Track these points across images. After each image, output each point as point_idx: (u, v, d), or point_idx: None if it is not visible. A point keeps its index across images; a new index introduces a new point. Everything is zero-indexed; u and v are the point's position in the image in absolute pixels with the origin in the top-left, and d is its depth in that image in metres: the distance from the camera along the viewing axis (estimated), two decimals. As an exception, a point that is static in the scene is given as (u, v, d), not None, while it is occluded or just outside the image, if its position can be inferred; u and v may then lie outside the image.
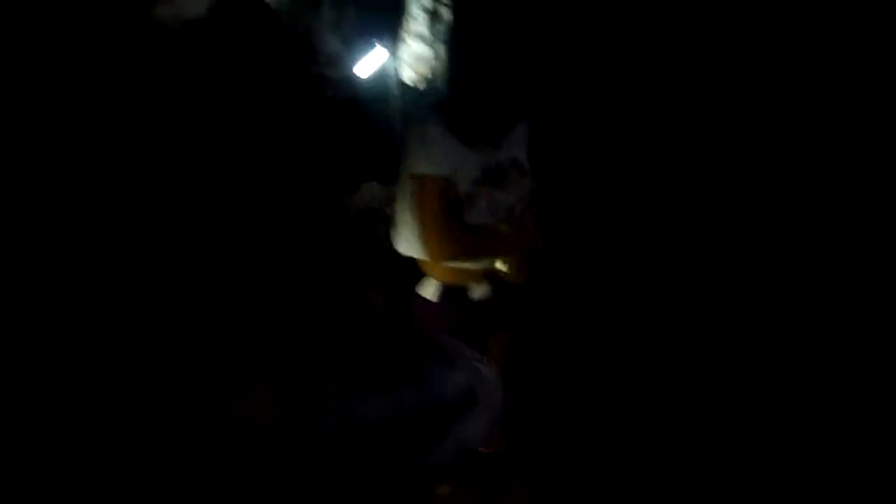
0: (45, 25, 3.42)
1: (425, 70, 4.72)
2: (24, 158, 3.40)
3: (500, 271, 2.24)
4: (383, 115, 5.11)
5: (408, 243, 2.28)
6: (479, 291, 2.25)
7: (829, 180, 3.45)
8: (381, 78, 4.84)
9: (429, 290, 2.20)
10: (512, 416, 2.54)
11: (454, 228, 2.10)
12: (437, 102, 2.28)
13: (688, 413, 2.74)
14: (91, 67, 3.99)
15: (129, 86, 4.48)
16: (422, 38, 4.59)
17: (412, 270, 2.72)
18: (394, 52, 4.63)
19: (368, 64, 4.71)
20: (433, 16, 4.58)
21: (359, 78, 4.95)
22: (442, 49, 4.65)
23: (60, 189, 3.67)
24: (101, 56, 4.00)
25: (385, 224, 5.37)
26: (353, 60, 5.07)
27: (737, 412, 2.69)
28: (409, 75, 4.74)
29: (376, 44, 4.57)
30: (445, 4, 4.51)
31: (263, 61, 5.93)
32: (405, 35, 4.63)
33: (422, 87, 4.82)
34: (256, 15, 5.73)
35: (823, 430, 2.54)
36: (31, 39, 3.31)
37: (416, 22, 4.55)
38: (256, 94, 5.71)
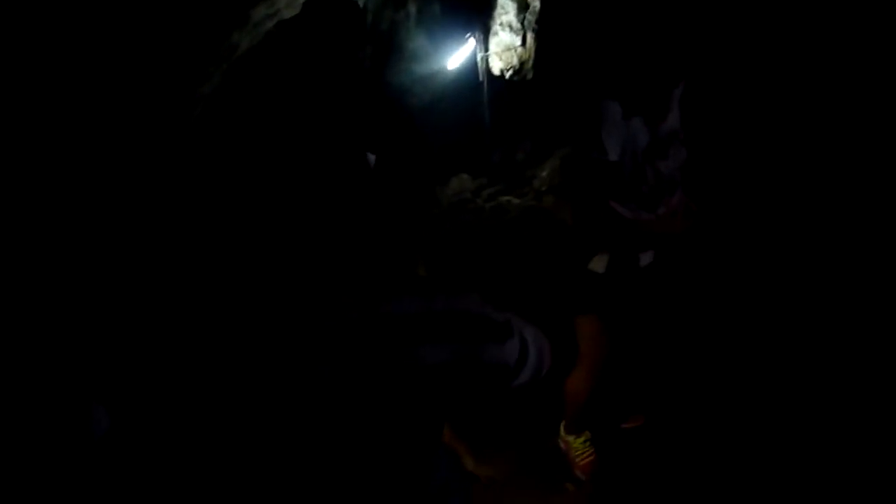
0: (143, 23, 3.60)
1: (514, 59, 4.68)
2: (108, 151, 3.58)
3: None
4: (472, 108, 5.12)
5: None
6: (645, 258, 2.17)
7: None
8: (470, 69, 4.84)
9: (598, 263, 2.16)
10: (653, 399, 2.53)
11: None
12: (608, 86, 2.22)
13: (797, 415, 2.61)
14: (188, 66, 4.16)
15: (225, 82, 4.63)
16: (511, 27, 4.56)
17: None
18: (483, 43, 4.62)
19: (457, 57, 4.72)
20: (523, 5, 4.54)
21: (447, 71, 4.97)
22: (531, 37, 4.61)
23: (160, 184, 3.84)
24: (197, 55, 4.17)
25: (475, 214, 5.39)
26: (441, 54, 5.10)
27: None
28: (498, 65, 4.72)
29: (466, 37, 4.57)
30: (535, -7, 4.48)
31: (351, 58, 6.04)
32: (494, 26, 4.61)
33: (510, 76, 4.79)
34: (343, 14, 5.85)
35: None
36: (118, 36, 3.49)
37: (506, 12, 4.53)
38: (345, 89, 5.83)
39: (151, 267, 3.33)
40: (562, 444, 2.42)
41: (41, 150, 3.07)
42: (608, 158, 2.03)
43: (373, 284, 0.93)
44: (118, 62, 3.41)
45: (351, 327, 0.89)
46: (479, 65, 4.72)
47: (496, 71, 4.79)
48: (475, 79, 4.92)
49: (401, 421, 0.94)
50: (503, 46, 4.65)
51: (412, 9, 5.76)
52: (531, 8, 4.54)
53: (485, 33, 4.70)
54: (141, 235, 3.49)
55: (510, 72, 4.79)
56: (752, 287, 3.12)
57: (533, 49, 4.71)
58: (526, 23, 4.59)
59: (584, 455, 2.38)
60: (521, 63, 4.75)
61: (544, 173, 5.17)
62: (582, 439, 2.38)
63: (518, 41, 4.63)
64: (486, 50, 4.66)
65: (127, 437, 1.51)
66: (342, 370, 0.90)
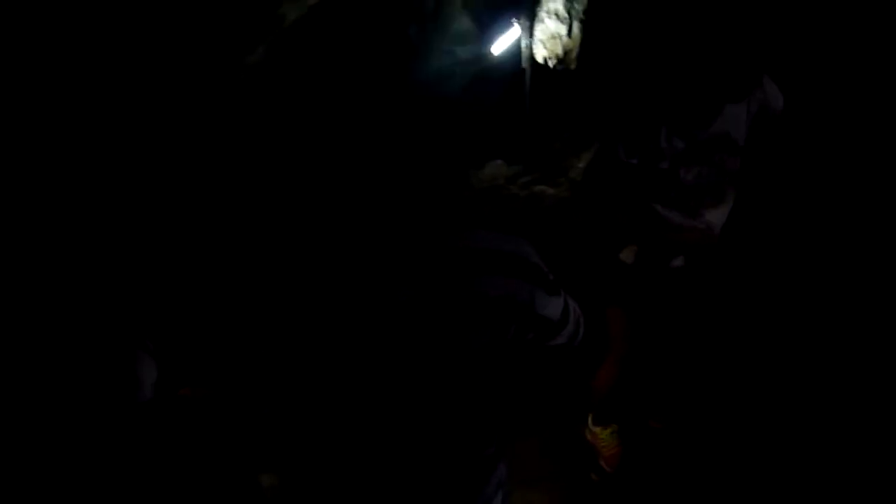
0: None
1: (559, 48, 4.67)
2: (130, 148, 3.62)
3: None
4: (513, 94, 5.11)
5: None
6: (678, 260, 2.17)
7: None
8: (513, 55, 4.83)
9: (627, 254, 2.17)
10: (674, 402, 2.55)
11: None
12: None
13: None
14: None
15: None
16: (558, 15, 4.54)
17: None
18: (528, 30, 4.60)
19: (503, 42, 4.71)
20: (571, -6, 4.52)
21: (492, 55, 4.96)
22: (578, 27, 4.59)
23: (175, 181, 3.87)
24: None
25: (509, 200, 5.40)
26: (486, 38, 5.09)
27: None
28: (542, 53, 4.71)
29: (512, 21, 4.56)
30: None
31: (394, 38, 6.05)
32: (541, 13, 4.59)
33: (554, 65, 4.77)
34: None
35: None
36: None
37: (553, 0, 4.51)
38: (385, 71, 5.85)
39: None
40: (588, 435, 2.46)
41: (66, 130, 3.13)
42: (629, 160, 2.00)
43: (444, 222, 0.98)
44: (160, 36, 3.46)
45: (429, 257, 0.93)
46: (524, 52, 4.71)
47: (540, 59, 4.77)
48: (518, 65, 4.92)
49: (465, 372, 0.98)
50: (549, 34, 4.63)
51: (459, -9, 5.76)
52: (580, -2, 4.52)
53: (531, 20, 4.69)
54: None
55: (554, 61, 4.77)
56: (781, 289, 3.11)
57: (579, 39, 4.68)
58: (573, 12, 4.56)
59: (611, 447, 2.41)
60: (566, 52, 4.73)
61: (581, 164, 5.16)
62: (609, 431, 2.42)
63: (564, 30, 4.61)
64: (531, 37, 4.65)
65: (175, 388, 1.55)
66: (419, 297, 0.93)
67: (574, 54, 4.70)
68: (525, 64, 4.76)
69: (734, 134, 2.02)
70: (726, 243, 2.25)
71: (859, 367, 2.62)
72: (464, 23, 5.91)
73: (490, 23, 5.09)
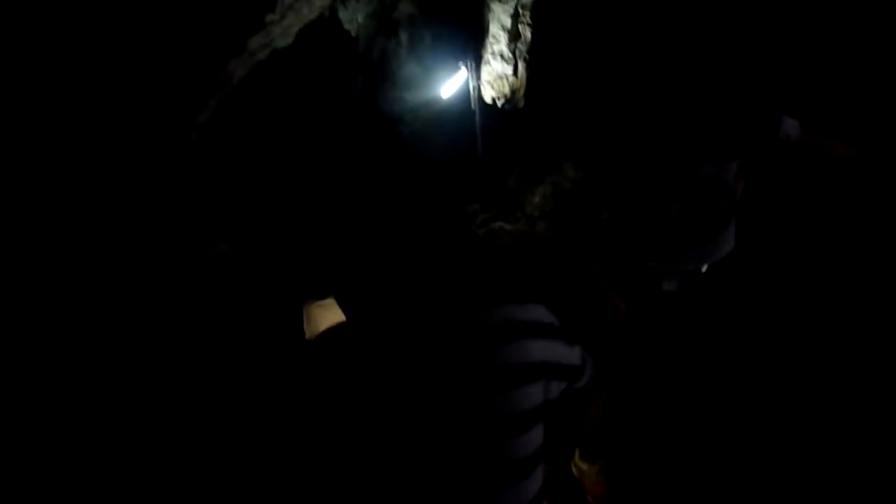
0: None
1: (506, 88, 4.76)
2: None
3: None
4: (464, 135, 5.18)
5: None
6: (668, 284, 2.17)
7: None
8: (462, 98, 4.91)
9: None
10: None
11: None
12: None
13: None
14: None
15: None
16: (503, 56, 4.64)
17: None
18: (475, 72, 4.69)
19: (451, 85, 4.79)
20: (514, 35, 4.63)
21: (440, 99, 5.03)
22: (522, 66, 4.69)
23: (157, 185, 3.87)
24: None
25: (468, 240, 5.42)
26: (433, 83, 5.17)
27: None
28: (489, 93, 4.79)
29: (459, 65, 4.64)
30: (527, 24, 4.56)
31: (343, 87, 6.10)
32: (486, 55, 4.69)
33: (502, 104, 4.86)
34: (335, 43, 5.92)
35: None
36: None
37: (497, 42, 4.61)
38: (337, 117, 5.88)
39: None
40: (575, 470, 2.44)
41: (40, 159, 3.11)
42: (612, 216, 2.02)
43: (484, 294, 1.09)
44: (115, 86, 3.45)
45: (482, 329, 1.07)
46: (472, 93, 4.79)
47: (488, 99, 4.86)
48: (467, 107, 4.99)
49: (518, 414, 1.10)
50: (495, 75, 4.73)
51: (404, 38, 5.84)
52: (522, 38, 4.63)
53: (476, 62, 4.78)
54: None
55: (502, 100, 4.86)
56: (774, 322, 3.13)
57: (524, 78, 4.79)
58: (517, 52, 4.67)
59: (598, 483, 2.40)
60: (513, 91, 4.83)
61: (536, 199, 5.23)
62: (596, 468, 2.40)
63: (510, 70, 4.71)
64: (478, 79, 4.74)
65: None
66: (478, 360, 1.06)
67: (521, 93, 4.80)
68: (474, 105, 4.84)
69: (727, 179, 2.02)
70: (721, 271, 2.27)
71: (855, 386, 2.64)
72: (411, 69, 5.99)
73: (437, 67, 5.17)
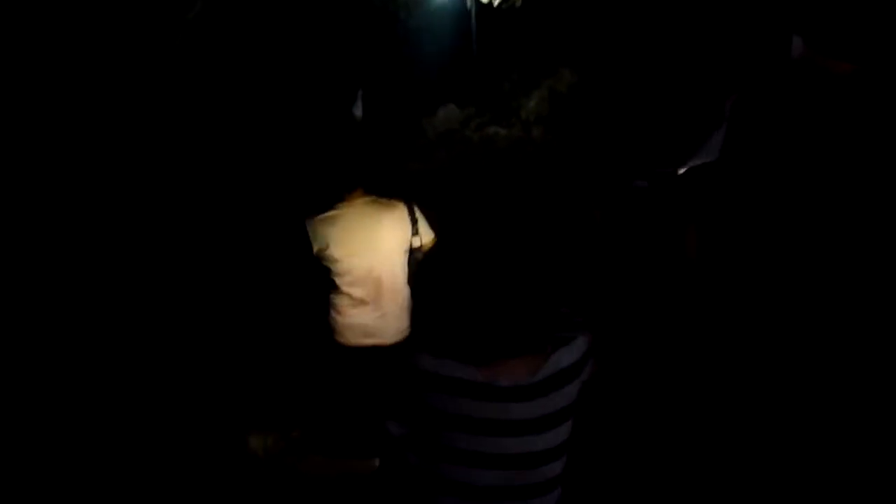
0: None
1: (502, -13, 4.61)
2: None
3: None
4: (459, 36, 5.05)
5: None
6: (640, 182, 2.22)
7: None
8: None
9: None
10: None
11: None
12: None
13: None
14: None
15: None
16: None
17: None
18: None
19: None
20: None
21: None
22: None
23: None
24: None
25: (463, 144, 5.39)
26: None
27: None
28: (486, -7, 4.64)
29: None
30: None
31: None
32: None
33: (498, 4, 4.72)
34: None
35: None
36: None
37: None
38: (329, 20, 5.69)
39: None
40: None
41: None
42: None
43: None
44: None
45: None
46: (468, -8, 4.65)
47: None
48: (463, 7, 4.85)
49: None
50: (492, -27, 4.57)
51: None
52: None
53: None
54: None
55: (498, 0, 4.71)
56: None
57: (520, -24, 4.63)
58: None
59: None
60: (510, -10, 4.68)
61: (532, 103, 5.16)
62: None
63: (507, -32, 4.55)
64: (475, -23, 4.58)
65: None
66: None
67: (517, -9, 4.65)
68: (469, 4, 4.70)
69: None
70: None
71: (853, 385, 2.61)
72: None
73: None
